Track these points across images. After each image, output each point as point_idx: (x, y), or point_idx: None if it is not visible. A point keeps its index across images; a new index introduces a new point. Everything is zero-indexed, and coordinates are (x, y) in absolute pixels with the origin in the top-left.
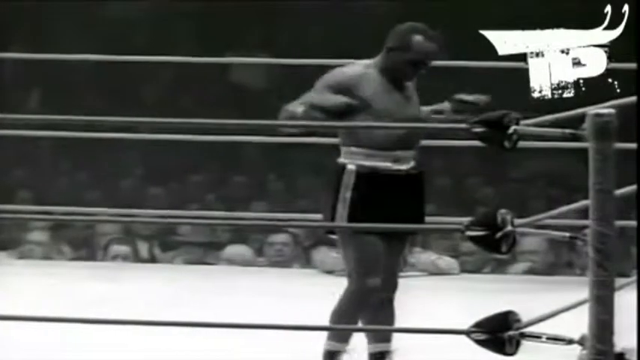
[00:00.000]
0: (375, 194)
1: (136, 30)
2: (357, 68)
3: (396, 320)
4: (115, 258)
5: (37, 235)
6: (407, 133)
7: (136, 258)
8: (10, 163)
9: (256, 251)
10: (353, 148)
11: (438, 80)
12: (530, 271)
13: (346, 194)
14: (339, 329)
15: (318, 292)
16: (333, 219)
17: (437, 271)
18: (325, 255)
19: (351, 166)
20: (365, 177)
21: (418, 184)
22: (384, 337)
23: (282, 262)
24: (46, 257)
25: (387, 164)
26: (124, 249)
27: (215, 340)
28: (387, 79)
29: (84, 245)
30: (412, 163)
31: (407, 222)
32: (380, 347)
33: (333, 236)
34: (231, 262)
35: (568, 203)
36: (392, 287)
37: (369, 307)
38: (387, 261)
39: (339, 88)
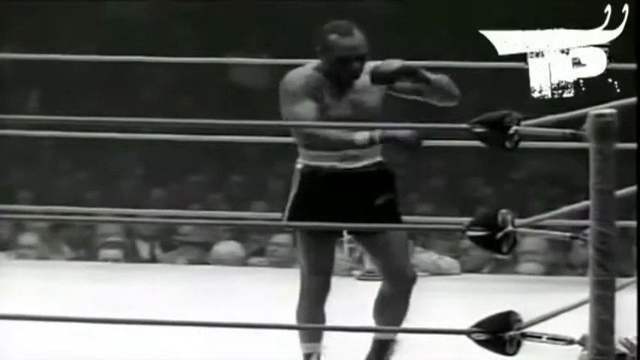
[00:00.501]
0: (317, 193)
1: (136, 30)
2: (309, 71)
3: (406, 314)
4: (105, 261)
5: (37, 236)
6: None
7: (129, 260)
8: (10, 163)
9: (256, 251)
10: (302, 149)
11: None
12: (531, 272)
13: (290, 193)
14: (342, 330)
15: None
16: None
17: (438, 271)
18: None
19: (298, 166)
20: (308, 176)
21: (379, 181)
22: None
23: (281, 262)
24: (46, 257)
25: (333, 163)
26: (114, 252)
27: (214, 340)
28: (331, 80)
29: (83, 245)
30: (370, 160)
31: (361, 219)
32: (385, 335)
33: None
34: (222, 261)
35: (569, 203)
36: (406, 280)
37: (322, 303)
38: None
39: (308, 92)
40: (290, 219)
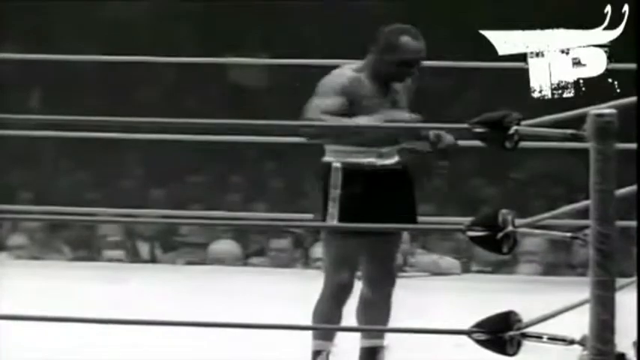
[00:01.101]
0: (363, 190)
1: (136, 30)
2: (349, 72)
3: (390, 317)
4: (110, 261)
5: (36, 236)
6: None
7: (134, 259)
8: (10, 163)
9: (257, 251)
10: (333, 146)
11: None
12: (531, 272)
13: (335, 193)
14: (343, 330)
15: (316, 292)
16: (324, 218)
17: (438, 271)
18: None
19: (335, 164)
20: (351, 174)
21: (405, 179)
22: (377, 333)
23: (283, 262)
24: (45, 257)
25: (370, 159)
26: (117, 253)
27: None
28: (375, 82)
29: (84, 245)
30: (395, 159)
31: (399, 217)
32: (372, 343)
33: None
34: (220, 260)
35: (569, 203)
36: (390, 283)
37: (342, 304)
38: (379, 258)
39: (343, 92)
40: (341, 220)
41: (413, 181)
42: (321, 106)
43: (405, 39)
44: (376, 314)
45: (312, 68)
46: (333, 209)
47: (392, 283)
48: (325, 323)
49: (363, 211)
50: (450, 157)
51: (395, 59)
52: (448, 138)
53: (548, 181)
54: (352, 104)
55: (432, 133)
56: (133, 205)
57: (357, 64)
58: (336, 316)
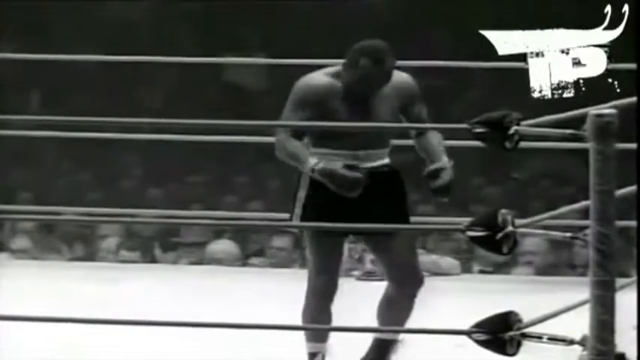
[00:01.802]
0: (328, 194)
1: (136, 31)
2: (323, 80)
3: (409, 317)
4: (122, 262)
5: (35, 236)
6: (371, 134)
7: (133, 259)
8: (10, 163)
9: (256, 252)
10: (313, 149)
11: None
12: (531, 272)
13: (300, 194)
14: (343, 330)
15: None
16: (291, 218)
17: (438, 272)
18: None
19: None
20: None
21: (388, 183)
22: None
23: (281, 263)
24: (45, 258)
25: (346, 163)
26: (132, 255)
27: (214, 341)
28: (349, 90)
29: (83, 245)
30: (380, 162)
31: (372, 218)
32: (387, 335)
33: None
34: (218, 260)
35: (569, 203)
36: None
37: (327, 303)
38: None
39: (308, 103)
40: (302, 219)
41: (399, 184)
42: (288, 118)
43: (364, 62)
44: (396, 313)
45: (312, 68)
46: (298, 209)
47: (417, 284)
48: (314, 324)
49: (326, 212)
50: (450, 193)
51: (356, 77)
52: (445, 175)
53: (548, 181)
54: (323, 111)
55: (428, 170)
56: (132, 205)
57: (336, 67)
58: (324, 315)
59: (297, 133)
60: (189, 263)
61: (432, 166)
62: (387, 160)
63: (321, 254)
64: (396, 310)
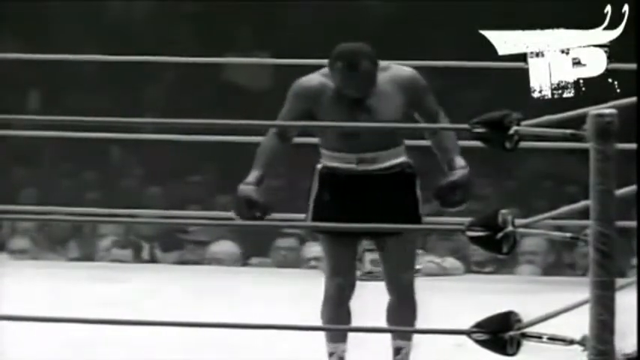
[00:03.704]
0: (336, 194)
1: (136, 30)
2: (317, 80)
3: (415, 318)
4: (114, 261)
5: (35, 236)
6: (373, 136)
7: (138, 259)
8: (10, 163)
9: (258, 252)
10: (322, 150)
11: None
12: (531, 272)
13: (311, 194)
14: (343, 330)
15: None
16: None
17: (440, 272)
18: None
19: (318, 166)
20: (326, 177)
21: (399, 184)
22: (403, 335)
23: (284, 263)
24: (45, 258)
25: (350, 165)
26: (117, 253)
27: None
28: (338, 91)
29: (82, 245)
30: (391, 162)
31: (377, 220)
32: (396, 344)
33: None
34: (218, 260)
35: (569, 203)
36: (401, 284)
37: (343, 304)
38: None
39: (300, 103)
40: (313, 220)
41: (410, 185)
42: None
43: (338, 65)
44: (397, 316)
45: (312, 68)
46: (309, 210)
47: (404, 284)
48: (330, 324)
49: (333, 212)
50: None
51: (335, 81)
52: (460, 189)
53: (548, 181)
54: (317, 111)
55: (438, 189)
56: (132, 204)
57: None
58: (341, 316)
59: (284, 134)
60: (188, 263)
61: (444, 182)
62: (399, 160)
63: (334, 255)
64: (394, 313)
